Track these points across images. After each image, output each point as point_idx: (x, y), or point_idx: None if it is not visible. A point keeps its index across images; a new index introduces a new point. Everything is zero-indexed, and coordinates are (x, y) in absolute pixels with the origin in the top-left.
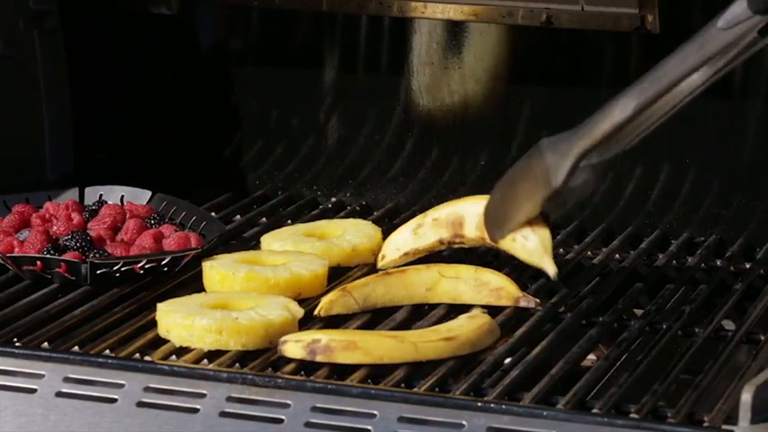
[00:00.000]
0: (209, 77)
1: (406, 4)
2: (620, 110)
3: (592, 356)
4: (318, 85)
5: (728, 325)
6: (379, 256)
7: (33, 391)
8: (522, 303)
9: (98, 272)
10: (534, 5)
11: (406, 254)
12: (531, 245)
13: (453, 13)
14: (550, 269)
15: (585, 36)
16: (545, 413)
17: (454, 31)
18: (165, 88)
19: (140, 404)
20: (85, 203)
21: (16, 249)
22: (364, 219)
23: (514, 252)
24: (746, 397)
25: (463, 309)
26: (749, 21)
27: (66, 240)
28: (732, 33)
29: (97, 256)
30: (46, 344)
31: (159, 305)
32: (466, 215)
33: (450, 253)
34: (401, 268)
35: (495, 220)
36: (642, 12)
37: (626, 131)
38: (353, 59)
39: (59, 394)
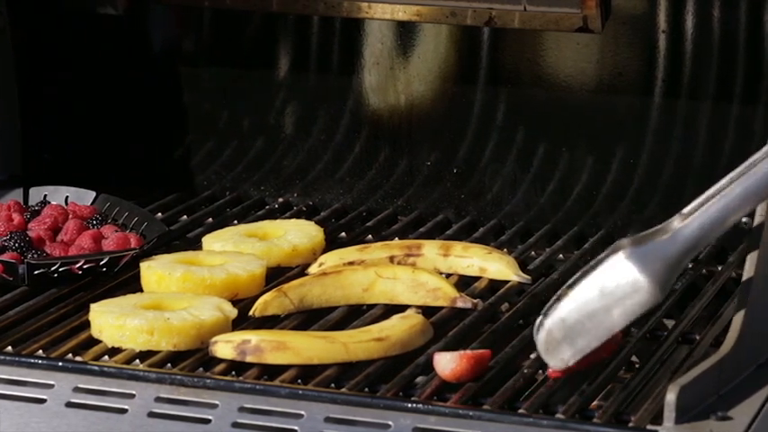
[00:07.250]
0: (159, 78)
1: (351, 4)
2: (731, 216)
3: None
4: (268, 86)
5: (671, 324)
6: (317, 262)
7: None
8: (459, 304)
9: (35, 272)
10: (477, 5)
11: (350, 263)
12: (495, 268)
13: (398, 13)
14: (523, 279)
15: (529, 36)
16: (471, 413)
17: (399, 32)
18: (115, 89)
19: (69, 404)
20: (29, 204)
21: None
22: (310, 219)
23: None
24: (671, 397)
25: (400, 309)
26: None
27: (5, 241)
28: None
29: (35, 256)
30: None
31: (92, 305)
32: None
33: None
34: (338, 269)
35: (568, 339)
36: (584, 12)
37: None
38: (303, 60)
39: None
